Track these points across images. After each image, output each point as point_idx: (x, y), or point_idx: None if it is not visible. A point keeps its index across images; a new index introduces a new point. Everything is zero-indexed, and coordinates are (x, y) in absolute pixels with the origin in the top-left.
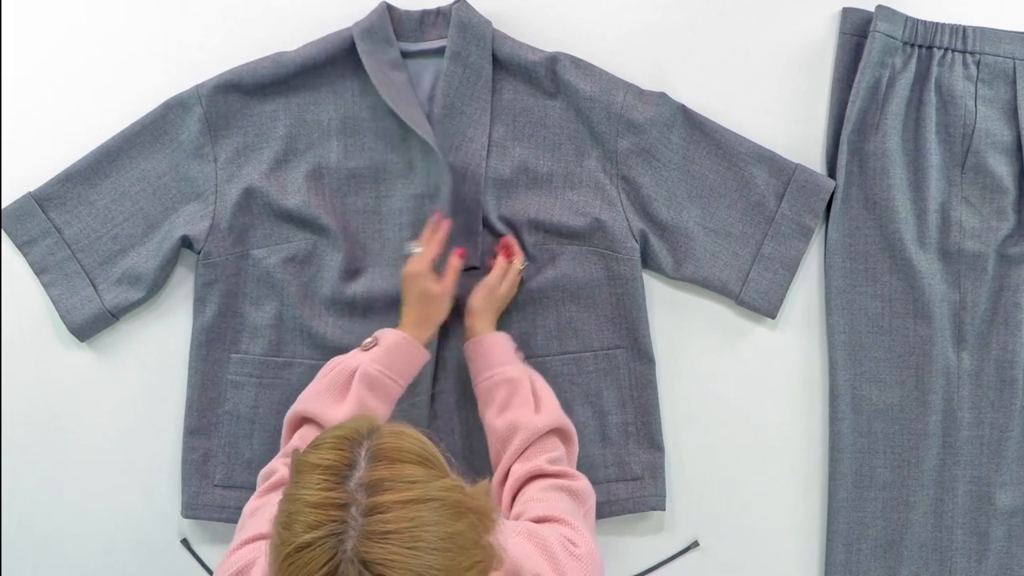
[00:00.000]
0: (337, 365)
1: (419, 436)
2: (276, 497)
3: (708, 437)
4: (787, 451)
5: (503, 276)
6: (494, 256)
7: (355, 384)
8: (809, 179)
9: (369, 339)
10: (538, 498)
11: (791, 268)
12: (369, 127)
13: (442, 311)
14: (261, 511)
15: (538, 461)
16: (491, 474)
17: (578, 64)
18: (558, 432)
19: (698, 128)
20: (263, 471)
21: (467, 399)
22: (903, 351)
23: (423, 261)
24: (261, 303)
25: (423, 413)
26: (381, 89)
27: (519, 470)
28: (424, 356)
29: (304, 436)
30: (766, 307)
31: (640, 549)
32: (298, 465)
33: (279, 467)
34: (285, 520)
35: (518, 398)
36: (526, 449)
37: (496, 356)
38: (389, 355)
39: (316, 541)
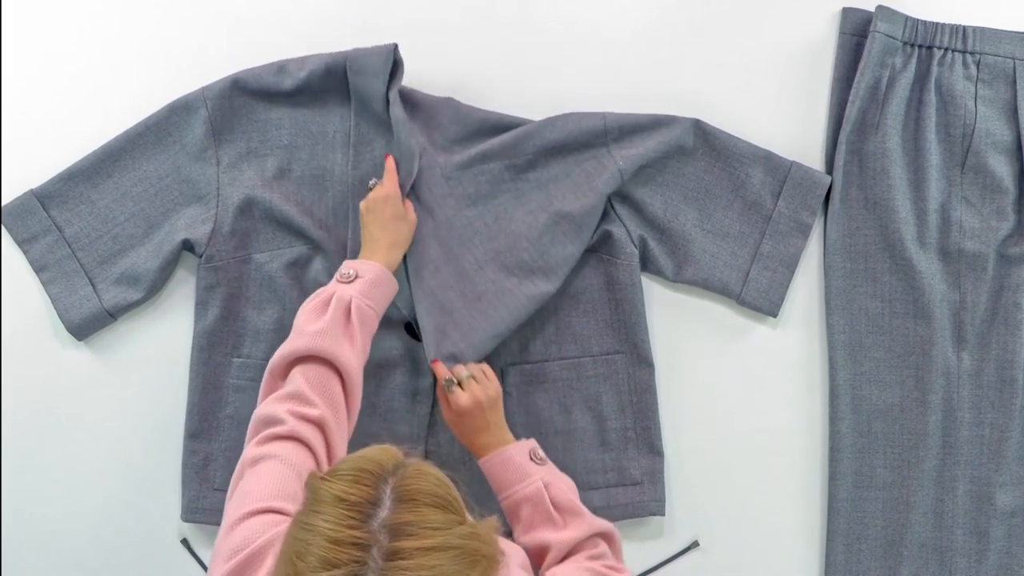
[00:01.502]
0: (329, 299)
1: (441, 477)
2: (283, 451)
3: (708, 439)
4: (787, 451)
5: (459, 391)
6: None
7: (355, 318)
8: (805, 176)
9: (347, 271)
10: (566, 571)
11: (791, 266)
12: (374, 140)
13: (411, 235)
14: (266, 466)
15: (577, 558)
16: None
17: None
18: (594, 536)
19: (691, 131)
20: (262, 414)
21: None
22: (903, 351)
23: (393, 185)
24: (263, 307)
25: (423, 422)
26: (356, 109)
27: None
28: (395, 287)
29: (308, 376)
30: (767, 306)
31: (640, 553)
32: (317, 492)
33: (286, 417)
34: (300, 550)
35: (539, 516)
36: (563, 560)
37: (507, 476)
38: (374, 288)
39: None
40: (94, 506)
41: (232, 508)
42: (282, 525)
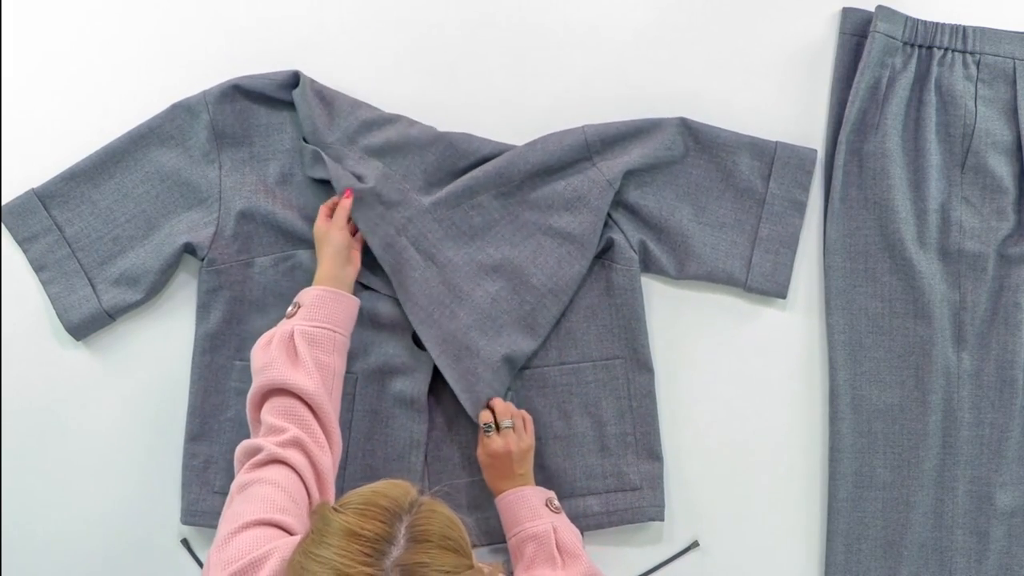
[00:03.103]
0: (272, 337)
1: (453, 518)
2: (266, 474)
3: (708, 439)
4: (787, 451)
5: (495, 436)
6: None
7: (298, 343)
8: (791, 154)
9: (291, 307)
10: None
11: (791, 245)
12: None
13: (357, 259)
14: (252, 489)
15: None
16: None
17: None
18: None
19: (675, 130)
20: (244, 448)
21: (465, 417)
22: (903, 351)
23: (331, 221)
24: (266, 311)
25: (422, 429)
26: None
27: None
28: (353, 301)
29: (273, 408)
30: (775, 288)
31: (640, 556)
32: (329, 523)
33: (264, 444)
34: None
35: (541, 555)
36: None
37: (520, 512)
38: (316, 311)
39: None
40: (93, 507)
41: (224, 527)
42: (279, 539)
